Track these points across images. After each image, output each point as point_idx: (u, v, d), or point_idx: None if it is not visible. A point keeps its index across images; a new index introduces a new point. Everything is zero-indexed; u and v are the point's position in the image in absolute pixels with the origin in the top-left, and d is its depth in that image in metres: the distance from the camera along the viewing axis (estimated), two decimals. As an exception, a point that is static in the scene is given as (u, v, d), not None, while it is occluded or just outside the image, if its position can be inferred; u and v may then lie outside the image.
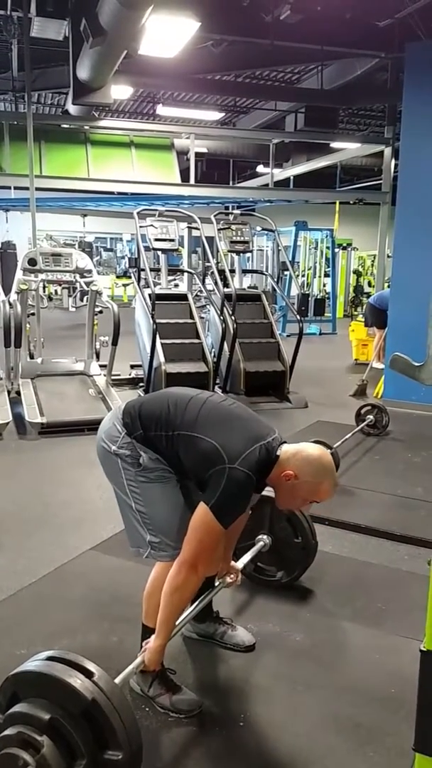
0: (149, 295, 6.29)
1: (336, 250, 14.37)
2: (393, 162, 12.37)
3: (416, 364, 2.13)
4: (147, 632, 2.14)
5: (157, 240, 7.02)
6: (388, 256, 12.79)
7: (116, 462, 2.06)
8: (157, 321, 6.16)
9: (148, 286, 6.42)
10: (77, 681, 1.53)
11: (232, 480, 1.85)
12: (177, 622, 2.03)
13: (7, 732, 1.50)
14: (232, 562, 2.41)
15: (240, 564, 2.46)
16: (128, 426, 2.05)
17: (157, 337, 6.19)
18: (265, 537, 2.74)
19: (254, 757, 1.95)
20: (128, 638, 2.29)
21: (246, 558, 2.58)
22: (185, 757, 1.95)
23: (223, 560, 2.33)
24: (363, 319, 8.91)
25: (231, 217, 7.64)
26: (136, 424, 2.04)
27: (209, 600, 2.35)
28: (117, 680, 1.71)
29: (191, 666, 2.38)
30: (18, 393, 5.96)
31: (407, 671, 2.34)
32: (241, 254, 7.94)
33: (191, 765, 1.92)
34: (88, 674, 1.55)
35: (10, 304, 6.00)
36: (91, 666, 1.58)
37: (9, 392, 5.98)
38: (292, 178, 15.66)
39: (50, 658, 1.60)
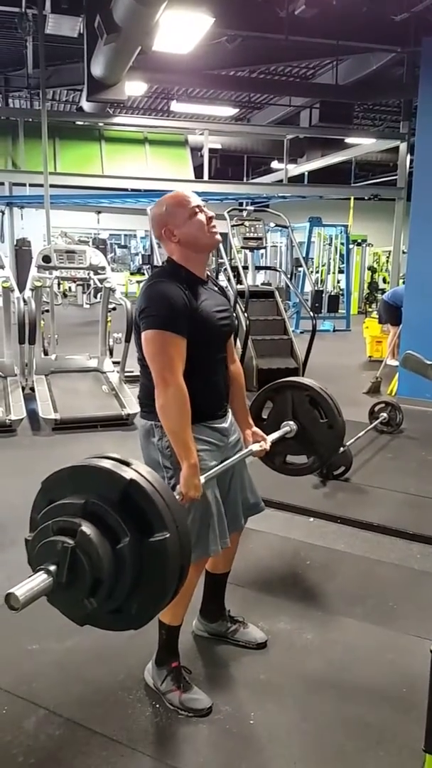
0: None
1: (350, 246, 14.29)
2: (408, 157, 12.26)
3: (428, 362, 2.11)
4: (163, 627, 2.17)
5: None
6: (403, 252, 12.72)
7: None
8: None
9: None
10: (111, 464, 1.43)
11: (144, 295, 2.00)
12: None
13: (43, 526, 1.39)
14: (258, 430, 2.36)
15: (269, 439, 2.39)
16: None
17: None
18: (291, 423, 2.64)
19: (264, 756, 1.96)
20: (140, 634, 2.29)
21: (274, 436, 2.50)
22: (194, 755, 1.96)
23: (245, 426, 2.31)
24: (377, 316, 8.86)
25: (245, 214, 7.63)
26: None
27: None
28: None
29: (202, 663, 2.39)
30: (32, 389, 6.00)
31: (419, 671, 2.32)
32: (255, 251, 7.92)
33: (201, 762, 1.92)
34: (123, 462, 1.45)
35: (24, 300, 6.04)
36: (123, 457, 1.48)
37: (23, 388, 6.02)
38: (306, 173, 15.57)
39: (80, 462, 1.50)
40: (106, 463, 1.44)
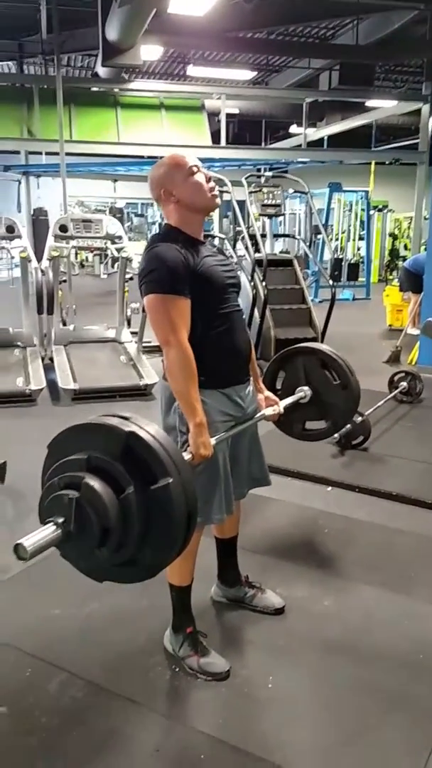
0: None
1: (371, 212, 14.03)
2: (431, 120, 11.96)
3: (450, 330, 2.08)
4: (173, 590, 2.21)
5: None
6: (425, 219, 12.48)
7: None
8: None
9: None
10: (112, 420, 1.48)
11: (143, 260, 2.02)
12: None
13: (50, 483, 1.44)
14: (271, 395, 2.38)
15: (282, 404, 2.39)
16: None
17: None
18: (304, 388, 2.64)
19: (282, 719, 1.99)
20: (158, 601, 2.33)
21: (287, 401, 2.50)
22: (213, 717, 1.99)
23: (257, 391, 2.33)
24: (398, 284, 8.73)
25: (263, 180, 7.50)
26: None
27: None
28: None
29: (220, 628, 2.42)
30: (51, 360, 6.03)
31: (436, 638, 2.35)
32: (273, 218, 7.80)
33: (219, 724, 1.96)
34: (123, 417, 1.49)
35: (42, 271, 6.03)
36: (125, 413, 1.51)
37: (42, 359, 6.05)
38: (326, 138, 15.27)
39: (81, 421, 1.53)
40: (107, 420, 1.48)
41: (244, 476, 2.29)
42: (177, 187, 2.04)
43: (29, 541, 1.29)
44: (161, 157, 2.15)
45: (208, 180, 2.07)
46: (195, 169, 2.05)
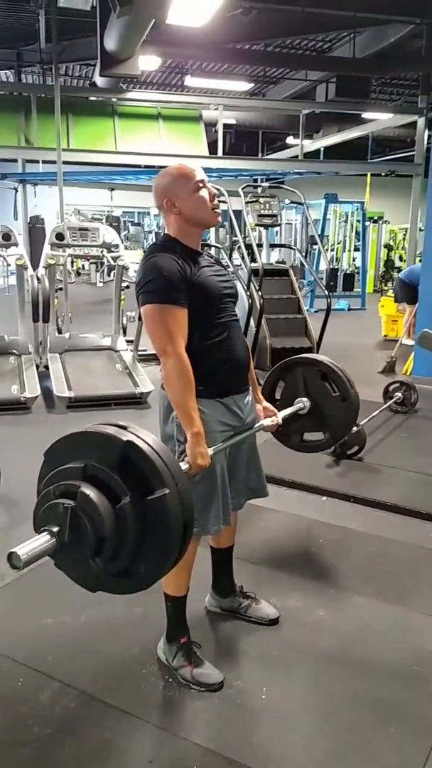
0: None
1: (366, 223, 14.10)
2: (426, 133, 12.06)
3: (445, 341, 2.09)
4: (168, 600, 2.20)
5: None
6: (420, 230, 12.54)
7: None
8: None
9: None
10: (109, 429, 1.47)
11: (140, 271, 2.02)
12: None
13: (45, 491, 1.43)
14: (270, 405, 2.38)
15: (280, 415, 2.40)
16: None
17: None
18: (303, 399, 2.64)
19: (275, 730, 1.98)
20: (152, 610, 2.33)
21: (286, 412, 2.50)
22: (207, 728, 1.98)
23: (256, 401, 2.32)
24: (393, 295, 8.76)
25: (259, 190, 7.53)
26: None
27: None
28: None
29: (214, 639, 2.41)
30: (46, 367, 6.02)
31: (431, 649, 2.34)
32: (269, 228, 7.84)
33: (213, 736, 1.94)
34: (121, 426, 1.48)
35: (38, 278, 6.03)
36: (122, 422, 1.51)
37: (38, 366, 6.04)
38: (322, 149, 15.37)
39: (79, 429, 1.53)
40: (105, 428, 1.47)
41: (242, 487, 2.29)
42: (181, 200, 2.04)
43: (23, 550, 1.27)
44: (159, 167, 2.16)
45: (212, 197, 2.07)
46: (201, 184, 2.05)
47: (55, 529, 1.33)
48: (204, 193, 2.05)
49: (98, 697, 2.08)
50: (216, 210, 2.09)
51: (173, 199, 2.04)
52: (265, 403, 2.37)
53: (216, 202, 2.09)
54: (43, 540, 1.32)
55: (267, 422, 2.30)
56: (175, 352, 1.93)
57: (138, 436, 1.45)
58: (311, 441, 2.81)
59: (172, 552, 1.46)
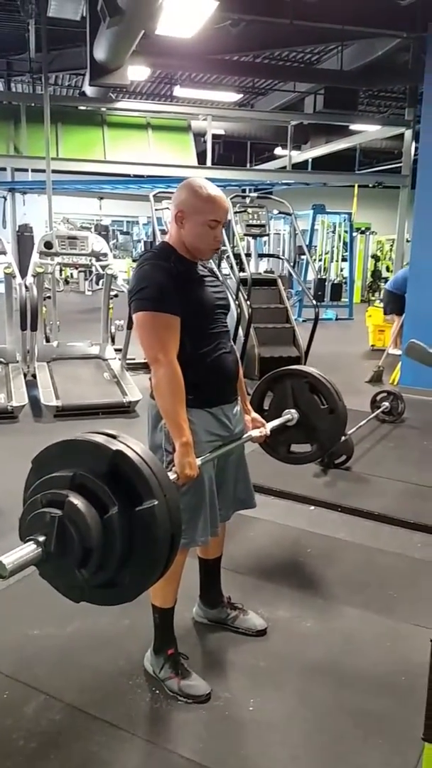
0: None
1: (354, 234, 14.21)
2: (413, 145, 12.16)
3: (432, 351, 2.10)
4: (155, 611, 2.19)
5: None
6: (407, 241, 12.64)
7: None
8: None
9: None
10: (99, 438, 1.46)
11: (133, 277, 2.01)
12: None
13: (32, 499, 1.41)
14: (258, 416, 2.37)
15: (268, 426, 2.40)
16: None
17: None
18: (292, 411, 2.65)
19: (263, 742, 1.96)
20: (139, 621, 2.31)
21: (274, 423, 2.51)
22: (194, 740, 1.96)
23: (244, 412, 2.32)
24: (382, 308, 8.73)
25: (247, 200, 7.58)
26: None
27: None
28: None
29: (202, 650, 2.40)
30: (34, 376, 6.00)
31: (418, 660, 2.33)
32: (258, 238, 7.87)
33: (200, 748, 1.93)
34: (110, 435, 1.48)
35: (26, 287, 6.02)
36: (112, 431, 1.50)
37: (25, 375, 6.01)
38: (310, 160, 15.47)
39: (67, 437, 1.52)
40: (94, 437, 1.46)
41: (230, 498, 2.28)
42: (190, 223, 2.02)
43: (8, 559, 1.26)
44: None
45: (218, 240, 2.06)
46: (215, 223, 2.02)
47: (42, 538, 1.32)
48: (215, 233, 2.04)
49: (84, 710, 2.06)
50: (216, 248, 2.10)
51: (185, 217, 2.02)
52: (254, 414, 2.37)
53: (218, 244, 2.09)
54: (28, 549, 1.31)
55: (255, 433, 2.30)
56: (166, 360, 1.92)
57: (127, 446, 1.44)
58: (298, 452, 2.81)
59: (159, 564, 1.45)
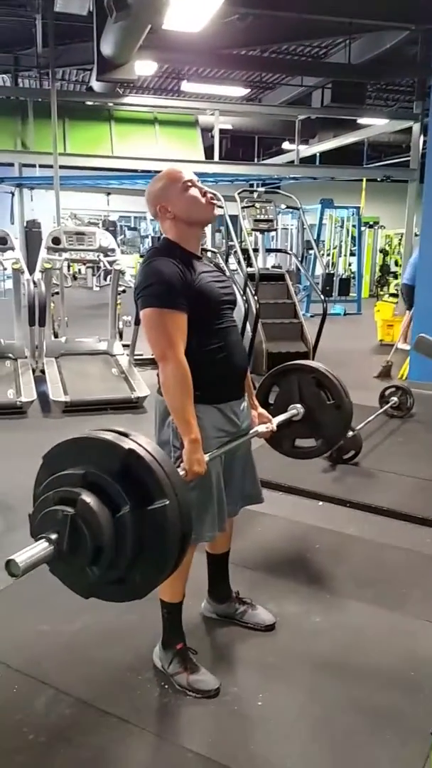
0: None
1: (362, 228, 14.14)
2: (422, 138, 12.11)
3: (442, 346, 2.08)
4: (164, 606, 2.19)
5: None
6: (416, 235, 12.58)
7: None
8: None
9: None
10: (111, 435, 1.45)
11: (140, 274, 2.01)
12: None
13: (43, 496, 1.41)
14: (264, 412, 2.37)
15: (275, 421, 2.39)
16: None
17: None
18: (297, 405, 2.64)
19: (272, 737, 1.97)
20: (148, 616, 2.31)
21: (280, 418, 2.50)
22: (203, 735, 1.97)
23: (251, 407, 2.31)
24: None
25: (255, 195, 7.55)
26: None
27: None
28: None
29: (210, 645, 2.40)
30: (42, 372, 6.01)
31: (427, 655, 2.34)
32: (265, 233, 7.84)
33: (209, 743, 1.93)
34: (123, 434, 1.47)
35: (34, 282, 6.03)
36: (123, 429, 1.49)
37: (33, 371, 6.03)
38: (318, 154, 15.42)
39: (80, 434, 1.50)
40: (106, 435, 1.45)
41: (237, 493, 2.28)
42: (173, 203, 2.04)
43: (22, 557, 1.26)
44: (155, 172, 2.16)
45: (204, 193, 2.07)
46: (189, 183, 2.05)
47: (54, 536, 1.32)
48: (194, 191, 2.05)
49: (93, 704, 2.07)
50: (212, 202, 2.08)
51: (166, 204, 2.04)
52: (261, 410, 2.37)
53: (210, 196, 2.08)
54: (41, 547, 1.31)
55: (262, 428, 2.30)
56: (175, 357, 1.92)
57: (140, 444, 1.43)
58: (303, 447, 2.81)
59: (170, 562, 1.45)
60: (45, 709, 2.05)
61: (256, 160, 17.87)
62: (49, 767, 1.85)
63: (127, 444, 1.41)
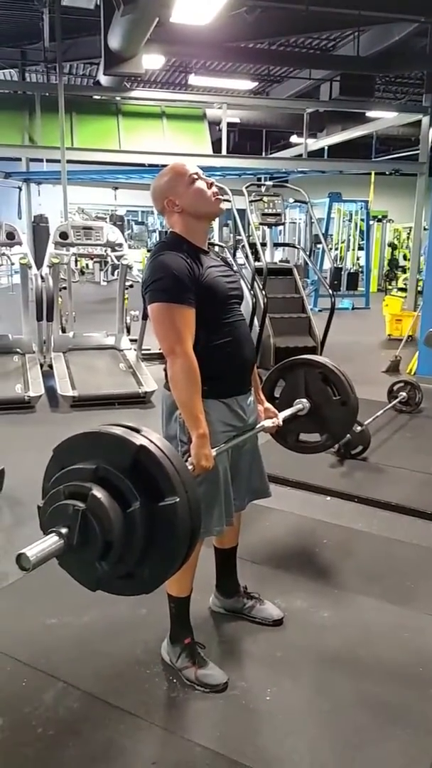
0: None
1: (371, 222, 14.07)
2: (431, 131, 12.00)
3: (451, 341, 2.07)
4: (172, 600, 2.20)
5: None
6: (425, 229, 12.51)
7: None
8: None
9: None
10: (122, 431, 1.45)
11: (147, 268, 2.00)
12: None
13: (54, 490, 1.41)
14: (271, 407, 2.38)
15: (281, 416, 2.40)
16: None
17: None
18: (303, 400, 2.63)
19: (280, 732, 1.97)
20: (156, 610, 2.32)
21: (286, 413, 2.50)
22: (211, 729, 1.97)
23: (257, 402, 2.32)
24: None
25: (263, 189, 7.52)
26: None
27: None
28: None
29: (218, 639, 2.40)
30: (50, 366, 6.03)
31: (436, 651, 2.33)
32: (273, 227, 7.82)
33: (217, 737, 1.94)
34: (134, 429, 1.47)
35: (42, 277, 6.04)
36: (134, 424, 1.49)
37: (41, 365, 6.05)
38: (326, 148, 15.32)
39: (91, 429, 1.50)
40: (117, 430, 1.45)
41: (244, 488, 2.28)
42: (179, 197, 2.03)
43: (32, 551, 1.26)
44: (162, 166, 2.15)
45: (210, 185, 2.06)
46: (195, 176, 2.04)
47: (64, 530, 1.32)
48: (200, 184, 2.04)
49: (102, 698, 2.08)
50: (218, 197, 2.07)
51: (173, 198, 2.04)
52: (267, 404, 2.36)
53: (215, 189, 2.08)
54: (51, 541, 1.31)
55: (268, 423, 2.29)
56: (183, 352, 1.91)
57: (151, 441, 1.43)
58: (308, 442, 2.80)
59: (178, 558, 1.45)
60: (53, 702, 2.06)
61: (264, 153, 17.76)
62: (58, 760, 1.86)
63: (138, 440, 1.41)
